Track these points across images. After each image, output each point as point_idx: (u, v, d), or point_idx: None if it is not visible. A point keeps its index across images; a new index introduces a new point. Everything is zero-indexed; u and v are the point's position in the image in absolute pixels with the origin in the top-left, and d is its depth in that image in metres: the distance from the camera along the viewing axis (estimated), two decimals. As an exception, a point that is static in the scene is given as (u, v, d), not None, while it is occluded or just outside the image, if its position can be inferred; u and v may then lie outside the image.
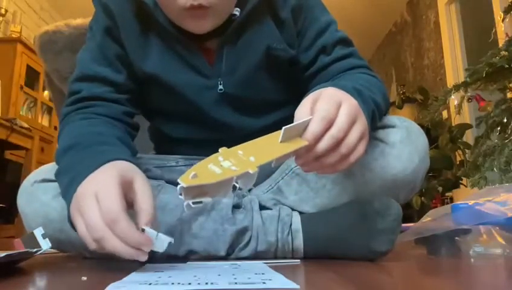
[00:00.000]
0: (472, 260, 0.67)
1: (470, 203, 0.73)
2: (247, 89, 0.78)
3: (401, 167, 0.68)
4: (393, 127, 0.70)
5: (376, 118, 0.64)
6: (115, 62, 0.76)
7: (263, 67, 0.78)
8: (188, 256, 0.68)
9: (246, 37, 0.75)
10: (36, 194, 0.69)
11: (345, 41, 0.80)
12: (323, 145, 0.51)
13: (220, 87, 0.76)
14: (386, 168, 0.69)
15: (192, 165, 0.80)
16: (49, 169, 0.70)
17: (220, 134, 0.79)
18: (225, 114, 0.78)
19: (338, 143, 0.52)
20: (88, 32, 0.80)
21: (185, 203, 0.46)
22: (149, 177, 0.75)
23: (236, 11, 0.73)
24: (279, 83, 0.82)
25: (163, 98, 0.79)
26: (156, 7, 0.72)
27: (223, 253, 0.67)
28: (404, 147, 0.69)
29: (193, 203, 0.46)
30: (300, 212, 0.72)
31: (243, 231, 0.68)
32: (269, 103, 0.82)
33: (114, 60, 0.76)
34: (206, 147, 0.73)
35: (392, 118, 0.72)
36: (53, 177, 0.66)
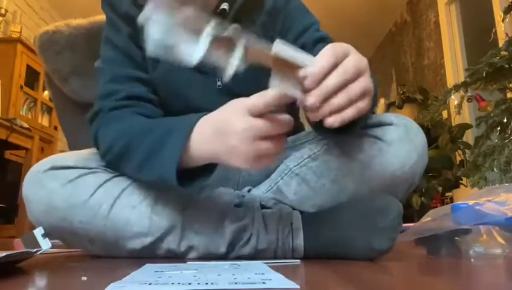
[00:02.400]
0: (472, 260, 0.67)
1: (470, 203, 0.73)
2: (246, 85, 0.78)
3: (399, 164, 0.69)
4: (390, 124, 0.70)
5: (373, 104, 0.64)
6: (142, 64, 0.78)
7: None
8: (188, 252, 0.69)
9: None
10: (43, 182, 0.69)
11: (326, 40, 0.81)
12: (332, 79, 0.51)
13: (219, 83, 0.79)
14: (384, 165, 0.69)
15: None
16: (56, 158, 0.72)
17: None
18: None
19: (345, 84, 0.53)
20: (104, 43, 0.81)
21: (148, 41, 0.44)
22: None
23: (225, 5, 0.76)
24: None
25: (168, 96, 0.81)
26: None
27: (223, 250, 0.67)
28: (402, 144, 0.69)
29: (156, 43, 0.44)
30: (301, 212, 0.72)
31: (243, 228, 0.68)
32: None
33: (141, 62, 0.78)
34: None
35: (389, 116, 0.72)
36: (61, 165, 0.69)
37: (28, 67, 3.13)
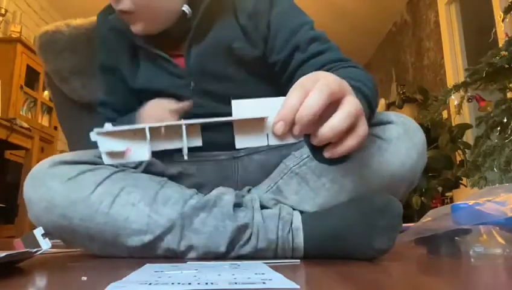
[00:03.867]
0: (472, 260, 0.67)
1: (470, 203, 0.73)
2: (220, 84, 0.85)
3: (399, 163, 0.68)
4: (390, 123, 0.70)
5: (372, 105, 0.62)
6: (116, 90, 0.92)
7: (231, 65, 0.84)
8: (188, 251, 0.69)
9: (210, 37, 0.83)
10: (44, 180, 0.71)
11: (320, 39, 0.80)
12: (304, 110, 0.45)
13: (192, 84, 0.84)
14: (384, 164, 0.68)
15: (192, 161, 0.83)
16: (55, 157, 0.74)
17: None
18: (203, 108, 0.83)
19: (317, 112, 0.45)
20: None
21: (102, 154, 0.48)
22: (152, 171, 0.77)
23: (187, 10, 0.82)
24: (255, 80, 0.85)
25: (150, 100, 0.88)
26: (133, 34, 0.84)
27: (223, 249, 0.67)
28: (402, 143, 0.69)
29: (109, 154, 0.47)
30: (301, 212, 0.72)
31: (243, 228, 0.68)
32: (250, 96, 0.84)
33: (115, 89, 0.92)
34: None
35: (389, 115, 0.72)
36: (62, 160, 0.72)
37: (28, 67, 3.13)
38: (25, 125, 2.73)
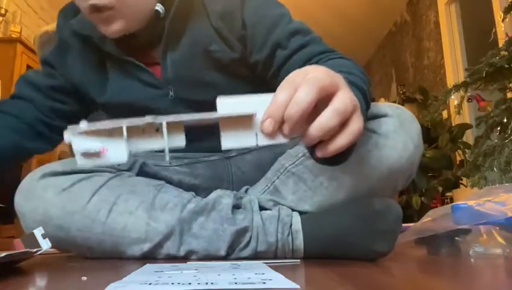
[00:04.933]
0: (472, 260, 0.67)
1: (470, 203, 0.73)
2: (201, 91, 0.79)
3: (396, 157, 0.68)
4: (385, 116, 0.69)
5: (368, 99, 0.60)
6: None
7: (211, 69, 0.79)
8: (188, 256, 0.68)
9: (184, 41, 0.78)
10: (35, 192, 0.69)
11: (301, 31, 0.76)
12: (291, 107, 0.43)
13: (171, 94, 0.79)
14: (382, 159, 0.68)
15: (184, 164, 0.82)
16: (47, 166, 0.72)
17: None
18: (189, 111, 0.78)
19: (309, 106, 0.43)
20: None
21: (76, 155, 0.44)
22: (147, 173, 0.76)
23: (161, 9, 0.76)
24: (239, 83, 0.81)
25: (125, 113, 0.81)
26: (102, 39, 0.78)
27: (223, 253, 0.67)
28: (398, 136, 0.68)
29: (84, 155, 0.44)
30: (300, 212, 0.72)
31: (243, 231, 0.68)
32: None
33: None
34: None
35: (383, 107, 0.70)
36: (52, 171, 0.69)
37: (28, 67, 3.13)
38: (25, 125, 2.72)
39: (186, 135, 0.45)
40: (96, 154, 0.44)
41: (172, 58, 0.78)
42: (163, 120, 0.43)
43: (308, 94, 0.43)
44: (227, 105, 0.44)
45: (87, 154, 0.44)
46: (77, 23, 0.81)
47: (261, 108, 0.45)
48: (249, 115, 0.45)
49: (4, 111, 0.82)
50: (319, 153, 0.47)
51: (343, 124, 0.45)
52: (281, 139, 0.45)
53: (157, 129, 0.45)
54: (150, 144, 0.45)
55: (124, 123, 0.43)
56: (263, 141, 0.45)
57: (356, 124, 0.46)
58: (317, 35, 0.77)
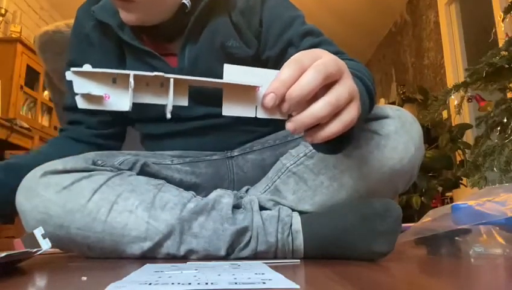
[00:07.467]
0: (472, 260, 0.67)
1: (470, 203, 0.73)
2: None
3: (397, 158, 0.68)
4: (386, 117, 0.70)
5: (373, 98, 0.62)
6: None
7: (224, 63, 0.81)
8: (188, 256, 0.68)
9: (204, 34, 0.81)
10: (36, 190, 0.68)
11: (313, 33, 0.80)
12: (296, 90, 0.44)
13: None
14: (383, 160, 0.68)
15: (185, 163, 0.82)
16: (48, 164, 0.71)
17: (192, 125, 0.82)
18: (192, 108, 0.77)
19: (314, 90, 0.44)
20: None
21: (77, 96, 0.44)
22: (148, 172, 0.76)
23: (187, 3, 0.79)
24: None
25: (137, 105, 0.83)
26: (120, 27, 0.81)
27: (223, 253, 0.67)
28: (400, 137, 0.68)
29: (85, 97, 0.44)
30: (301, 212, 0.72)
31: (243, 231, 0.68)
32: None
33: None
34: (185, 139, 0.81)
35: (385, 109, 0.71)
36: (53, 169, 0.69)
37: (28, 67, 3.13)
38: (25, 125, 2.73)
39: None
40: (97, 99, 0.44)
41: (190, 51, 0.81)
42: (171, 76, 0.45)
43: (313, 79, 0.44)
44: (234, 73, 0.46)
45: (87, 97, 0.44)
46: (98, 10, 0.84)
47: (265, 82, 0.46)
48: (252, 87, 0.46)
49: (65, 137, 0.90)
50: (308, 139, 0.48)
51: (337, 113, 0.46)
52: (278, 116, 0.47)
53: (162, 85, 0.45)
54: (153, 98, 0.46)
55: (132, 72, 0.43)
56: (262, 114, 0.47)
57: (349, 114, 0.47)
58: (329, 38, 0.81)
